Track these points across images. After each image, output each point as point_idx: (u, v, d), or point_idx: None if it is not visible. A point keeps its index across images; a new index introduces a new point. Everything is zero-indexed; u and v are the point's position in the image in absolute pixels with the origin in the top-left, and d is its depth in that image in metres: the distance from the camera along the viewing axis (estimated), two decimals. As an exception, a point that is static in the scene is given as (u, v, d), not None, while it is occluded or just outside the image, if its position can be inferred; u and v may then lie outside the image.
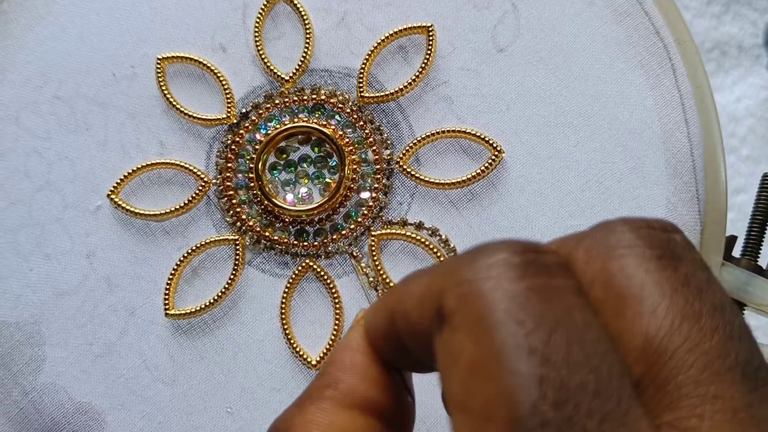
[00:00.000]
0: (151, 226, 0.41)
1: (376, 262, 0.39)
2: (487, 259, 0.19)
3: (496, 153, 0.39)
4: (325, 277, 0.39)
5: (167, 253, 0.40)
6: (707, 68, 0.79)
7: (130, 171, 0.41)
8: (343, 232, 0.40)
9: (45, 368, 0.40)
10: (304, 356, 0.39)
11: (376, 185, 0.40)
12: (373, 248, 0.39)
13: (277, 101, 0.41)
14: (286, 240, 0.40)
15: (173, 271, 0.40)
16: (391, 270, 0.39)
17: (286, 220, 0.40)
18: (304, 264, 0.40)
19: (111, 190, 0.40)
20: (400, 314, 0.22)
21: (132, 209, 0.40)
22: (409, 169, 0.40)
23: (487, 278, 0.19)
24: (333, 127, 0.40)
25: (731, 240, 0.41)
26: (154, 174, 0.41)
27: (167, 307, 0.40)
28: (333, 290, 0.39)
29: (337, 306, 0.39)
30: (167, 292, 0.40)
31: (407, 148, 0.40)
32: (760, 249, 0.41)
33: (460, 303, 0.19)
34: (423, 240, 0.39)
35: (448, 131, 0.40)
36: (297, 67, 0.41)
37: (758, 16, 0.79)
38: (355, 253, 0.40)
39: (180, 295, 0.40)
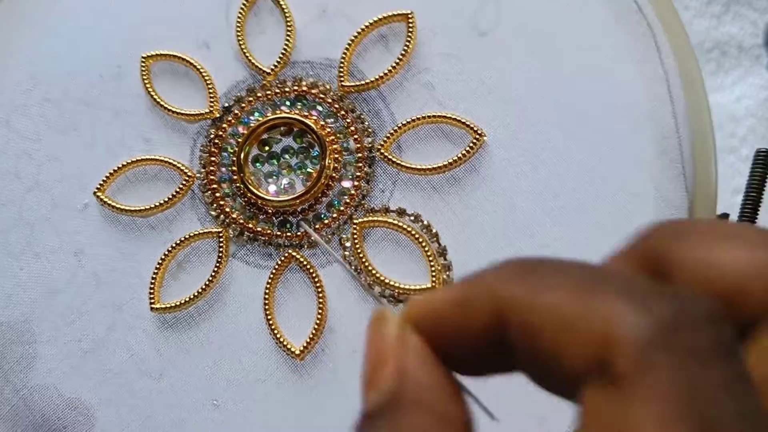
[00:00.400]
0: (137, 222, 0.41)
1: (359, 250, 0.39)
2: (678, 321, 0.16)
3: (477, 137, 0.39)
4: (309, 267, 0.39)
5: (153, 248, 0.40)
6: (707, 68, 0.77)
7: (116, 168, 0.41)
8: (326, 221, 0.40)
9: (36, 366, 0.40)
10: (288, 346, 0.38)
11: (358, 173, 0.40)
12: (356, 236, 0.39)
13: (259, 94, 0.41)
14: (269, 231, 0.40)
15: (158, 266, 0.40)
16: (374, 258, 0.39)
17: (270, 211, 0.40)
18: (287, 254, 0.39)
19: (97, 188, 0.41)
20: (519, 323, 0.18)
21: (118, 206, 0.41)
22: (390, 157, 0.40)
23: (682, 353, 0.16)
24: (315, 117, 0.40)
25: (723, 218, 0.40)
26: (139, 170, 0.41)
27: (152, 301, 0.40)
28: (316, 280, 0.39)
29: (321, 295, 0.39)
30: (152, 286, 0.40)
31: (388, 135, 0.40)
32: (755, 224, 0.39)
33: (640, 373, 0.16)
34: (405, 226, 0.39)
35: (429, 117, 0.39)
36: (278, 60, 0.41)
37: (758, 16, 0.78)
38: (343, 241, 0.39)
39: (166, 289, 0.40)
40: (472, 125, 0.39)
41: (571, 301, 0.17)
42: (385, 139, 0.40)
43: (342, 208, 0.40)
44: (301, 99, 0.41)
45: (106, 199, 0.41)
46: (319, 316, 0.38)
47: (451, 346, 0.20)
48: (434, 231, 0.39)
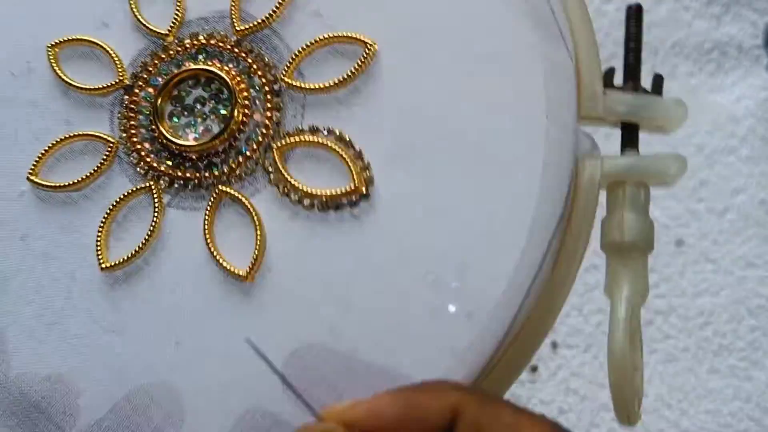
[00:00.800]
0: (73, 196, 0.43)
1: (283, 172, 0.41)
2: None
3: (368, 47, 0.42)
4: (240, 197, 0.41)
5: (92, 215, 0.43)
6: (707, 69, 0.81)
7: (43, 151, 0.43)
8: (248, 153, 0.42)
9: (7, 350, 0.42)
10: (235, 272, 0.41)
11: (268, 105, 0.42)
12: (278, 160, 0.42)
13: (162, 56, 0.44)
14: (197, 175, 0.42)
15: (100, 229, 0.42)
16: (299, 175, 0.41)
17: (194, 157, 0.42)
18: (217, 191, 0.42)
19: (30, 172, 0.43)
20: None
21: (51, 184, 0.43)
22: (294, 83, 0.42)
23: None
24: (218, 64, 0.43)
25: (610, 71, 0.43)
26: (66, 150, 0.44)
27: (101, 261, 0.42)
28: (250, 208, 0.41)
29: (256, 220, 0.41)
30: (99, 248, 0.42)
31: (288, 64, 0.42)
32: (640, 74, 0.43)
33: None
34: (321, 140, 0.41)
35: (321, 40, 0.42)
36: (173, 22, 0.44)
37: (758, 17, 0.81)
38: (267, 167, 0.42)
39: (112, 250, 0.42)
40: (360, 38, 0.42)
41: None
42: (286, 69, 0.43)
43: (260, 139, 0.42)
44: (202, 51, 0.44)
45: (40, 181, 0.43)
46: (259, 238, 0.41)
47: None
48: (347, 138, 0.41)
